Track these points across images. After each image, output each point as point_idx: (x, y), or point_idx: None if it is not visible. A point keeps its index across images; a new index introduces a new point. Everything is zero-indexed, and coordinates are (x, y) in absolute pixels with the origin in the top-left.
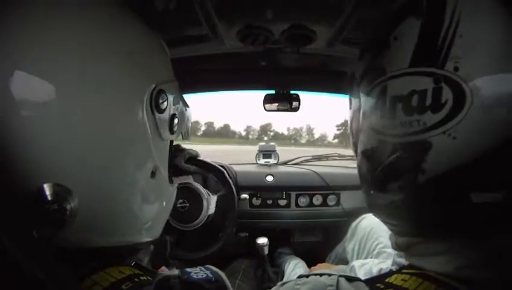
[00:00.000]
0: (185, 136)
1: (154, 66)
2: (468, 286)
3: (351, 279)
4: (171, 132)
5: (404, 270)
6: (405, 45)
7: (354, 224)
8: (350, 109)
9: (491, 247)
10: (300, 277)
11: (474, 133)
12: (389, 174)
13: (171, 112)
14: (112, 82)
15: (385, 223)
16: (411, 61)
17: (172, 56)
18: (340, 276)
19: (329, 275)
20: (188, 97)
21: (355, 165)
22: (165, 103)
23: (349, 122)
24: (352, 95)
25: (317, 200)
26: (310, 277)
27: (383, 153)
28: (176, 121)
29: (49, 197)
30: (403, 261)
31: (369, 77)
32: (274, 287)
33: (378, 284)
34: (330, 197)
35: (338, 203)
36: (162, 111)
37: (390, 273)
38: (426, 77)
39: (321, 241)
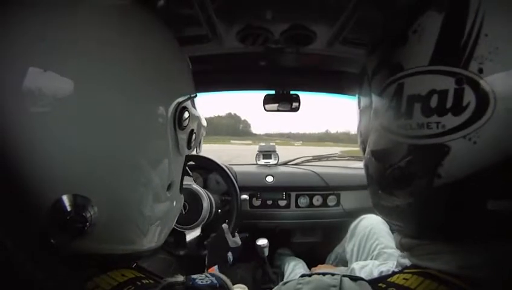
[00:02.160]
0: (197, 148)
1: (179, 79)
2: (471, 284)
3: (354, 279)
4: (189, 147)
5: (406, 270)
6: (425, 41)
7: (353, 224)
8: (359, 107)
9: (497, 249)
10: (302, 276)
11: (496, 139)
12: (401, 176)
13: (190, 128)
14: (136, 90)
15: (390, 223)
16: (431, 59)
17: (181, 50)
18: (344, 276)
19: (332, 274)
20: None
21: (355, 166)
22: (187, 121)
23: (357, 120)
24: (362, 92)
25: (317, 200)
26: (313, 276)
27: (395, 155)
28: (193, 136)
29: (69, 208)
30: (406, 262)
31: (383, 74)
32: (276, 287)
33: (380, 284)
34: (330, 197)
35: (338, 203)
36: (183, 128)
37: (392, 274)
38: (448, 76)
39: (321, 241)
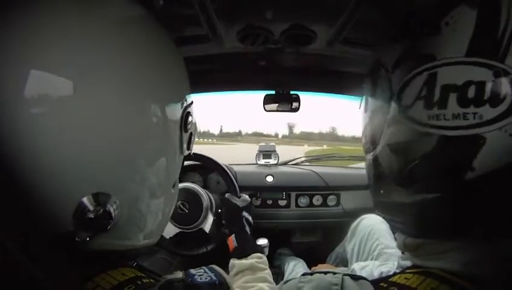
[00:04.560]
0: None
1: (186, 86)
2: (473, 283)
3: (355, 278)
4: (188, 148)
5: (407, 270)
6: (460, 32)
7: (354, 224)
8: (367, 104)
9: (500, 245)
10: (304, 274)
11: None
12: (427, 170)
13: (190, 131)
14: (157, 100)
15: (392, 222)
16: (468, 50)
17: (180, 53)
18: (345, 275)
19: (334, 273)
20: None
21: (355, 166)
22: (190, 124)
23: (364, 117)
24: (377, 87)
25: (317, 200)
26: (314, 275)
27: (421, 147)
28: (193, 138)
29: (93, 206)
30: (407, 263)
31: (409, 65)
32: (278, 285)
33: (381, 284)
34: (330, 197)
35: (338, 203)
36: (187, 130)
37: (393, 274)
38: (485, 68)
39: (321, 241)
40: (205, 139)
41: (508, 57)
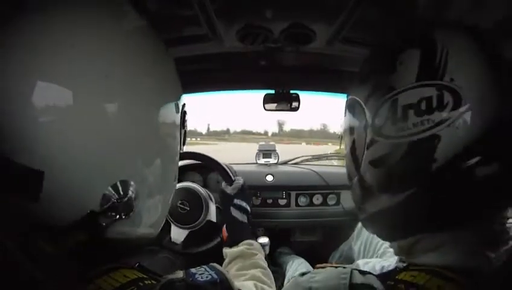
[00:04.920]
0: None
1: (175, 84)
2: (473, 279)
3: (363, 272)
4: (183, 144)
5: (411, 267)
6: (410, 67)
7: (360, 225)
8: (348, 134)
9: (488, 231)
10: (316, 267)
11: (471, 123)
12: (403, 171)
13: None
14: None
15: (383, 232)
16: (417, 77)
17: (171, 56)
18: (354, 269)
19: (344, 267)
20: (188, 98)
21: None
22: (187, 122)
23: (348, 147)
24: (355, 119)
25: (317, 199)
26: (326, 268)
27: (395, 155)
28: (185, 136)
29: (118, 194)
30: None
31: (377, 95)
32: (292, 279)
33: (388, 282)
34: (330, 196)
35: (338, 202)
36: (184, 127)
37: (397, 271)
38: (431, 87)
39: (321, 240)
40: (192, 139)
41: (445, 76)
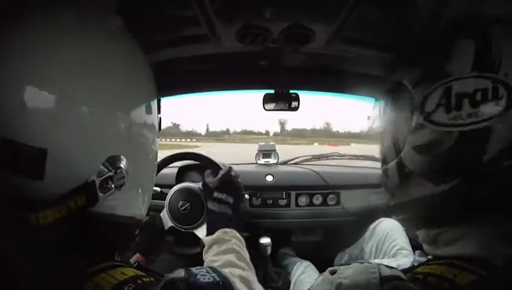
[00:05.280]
0: None
1: (151, 77)
2: (488, 269)
3: (388, 266)
4: (160, 129)
5: (430, 263)
6: (465, 56)
7: (372, 226)
8: (388, 117)
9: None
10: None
11: None
12: (451, 160)
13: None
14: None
15: (414, 220)
16: (472, 68)
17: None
18: (379, 264)
19: (369, 263)
20: (187, 98)
21: (355, 165)
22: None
23: (384, 129)
24: (399, 102)
25: (317, 199)
26: (353, 263)
27: (444, 143)
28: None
29: (113, 167)
30: (422, 259)
31: (429, 81)
32: (323, 276)
33: (407, 274)
34: (330, 196)
35: (338, 202)
36: (160, 112)
37: (415, 266)
38: (486, 79)
39: (321, 240)
40: (193, 140)
41: (500, 71)
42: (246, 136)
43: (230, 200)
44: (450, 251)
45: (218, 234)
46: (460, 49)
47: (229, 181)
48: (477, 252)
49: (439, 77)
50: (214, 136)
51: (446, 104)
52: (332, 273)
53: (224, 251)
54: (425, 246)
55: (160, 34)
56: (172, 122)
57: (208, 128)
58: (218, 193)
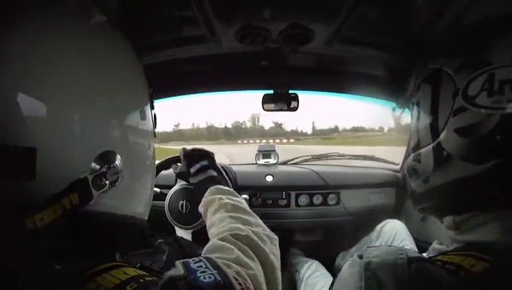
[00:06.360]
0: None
1: (142, 76)
2: (505, 260)
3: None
4: (155, 126)
5: (448, 253)
6: (507, 46)
7: (379, 227)
8: (418, 104)
9: None
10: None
11: None
12: (492, 141)
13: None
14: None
15: (443, 206)
16: None
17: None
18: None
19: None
20: (186, 98)
21: (354, 164)
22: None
23: (416, 118)
24: (441, 85)
25: (317, 199)
26: (381, 246)
27: (486, 125)
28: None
29: (106, 163)
30: (442, 248)
31: (472, 67)
32: (350, 260)
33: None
34: (330, 196)
35: (338, 202)
36: (153, 108)
37: (433, 256)
38: None
39: (321, 240)
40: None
41: None
42: (357, 133)
43: (205, 162)
44: (473, 237)
45: (205, 199)
46: (503, 40)
47: (189, 151)
48: (500, 238)
49: (481, 65)
50: (320, 134)
51: (489, 88)
52: (361, 257)
53: (214, 212)
54: (449, 233)
55: (159, 35)
56: (273, 122)
57: (313, 127)
58: (192, 167)
